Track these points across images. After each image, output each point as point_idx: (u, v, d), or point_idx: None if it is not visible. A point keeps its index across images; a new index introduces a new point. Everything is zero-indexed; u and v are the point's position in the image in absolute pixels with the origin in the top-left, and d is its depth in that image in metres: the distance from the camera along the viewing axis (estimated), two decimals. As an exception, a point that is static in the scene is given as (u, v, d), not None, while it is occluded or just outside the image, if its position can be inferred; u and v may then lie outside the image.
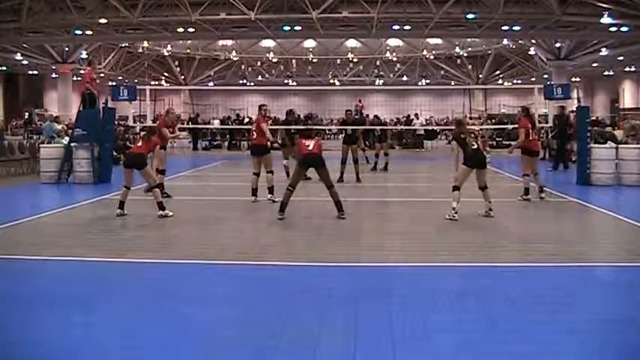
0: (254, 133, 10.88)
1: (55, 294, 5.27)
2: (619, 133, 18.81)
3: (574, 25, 25.03)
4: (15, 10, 23.58)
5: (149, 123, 22.39)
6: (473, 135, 9.24)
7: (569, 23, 24.54)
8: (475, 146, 9.02)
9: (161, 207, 9.04)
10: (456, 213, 8.66)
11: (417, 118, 28.47)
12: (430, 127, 29.69)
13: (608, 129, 18.80)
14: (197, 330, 4.36)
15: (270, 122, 13.61)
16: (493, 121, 30.98)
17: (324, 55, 46.20)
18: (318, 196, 10.27)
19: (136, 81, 40.34)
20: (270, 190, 10.49)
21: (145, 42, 39.46)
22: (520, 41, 35.37)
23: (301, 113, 17.76)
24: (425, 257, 6.63)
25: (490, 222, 8.68)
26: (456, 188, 8.88)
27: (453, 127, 10.18)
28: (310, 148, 9.10)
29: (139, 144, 9.78)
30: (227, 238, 7.67)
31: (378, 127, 17.82)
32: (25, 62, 35.45)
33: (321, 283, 5.58)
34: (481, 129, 21.88)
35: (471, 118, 32.84)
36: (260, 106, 11.55)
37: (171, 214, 9.01)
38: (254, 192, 10.57)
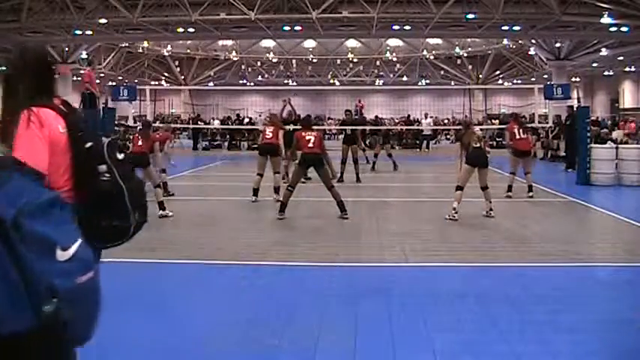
0: (269, 133, 10.75)
1: (55, 294, 5.27)
2: (618, 134, 18.83)
3: (574, 25, 25.01)
4: (15, 10, 23.56)
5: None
6: (476, 137, 9.28)
7: (569, 23, 24.52)
8: (477, 145, 9.02)
9: (162, 207, 9.03)
10: (456, 213, 8.66)
11: (426, 118, 28.47)
12: (435, 127, 29.70)
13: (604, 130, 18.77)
14: (197, 330, 4.36)
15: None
16: (497, 121, 30.96)
17: (324, 55, 46.17)
18: (318, 196, 10.27)
19: (135, 81, 40.31)
20: (277, 190, 10.49)
21: (145, 42, 39.44)
22: (520, 41, 35.34)
23: (301, 113, 17.63)
24: (425, 257, 6.63)
25: (490, 222, 8.68)
26: (458, 188, 8.89)
27: (460, 128, 10.32)
28: (311, 145, 8.92)
29: (139, 143, 9.63)
30: (227, 238, 7.67)
31: (383, 128, 17.86)
32: (25, 62, 35.40)
33: (321, 283, 5.58)
34: (481, 129, 21.87)
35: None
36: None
37: (171, 214, 9.01)
38: (255, 192, 10.55)
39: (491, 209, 8.95)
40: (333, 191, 8.90)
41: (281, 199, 9.17)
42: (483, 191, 9.06)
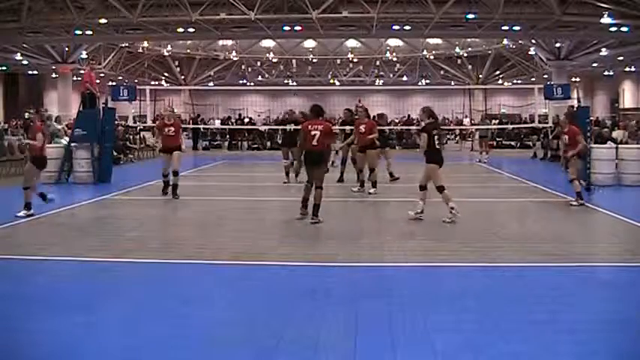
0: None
1: (55, 294, 5.27)
2: (619, 134, 18.81)
3: (574, 25, 24.99)
4: (15, 10, 23.53)
5: (149, 123, 22.51)
6: (443, 132, 8.92)
7: (569, 23, 24.50)
8: (438, 145, 8.78)
9: (27, 207, 8.89)
10: (452, 209, 8.42)
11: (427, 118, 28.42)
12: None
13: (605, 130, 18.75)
14: (197, 330, 4.36)
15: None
16: (496, 121, 30.98)
17: (324, 55, 46.14)
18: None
19: (136, 81, 40.29)
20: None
21: (145, 42, 39.42)
22: (520, 41, 35.32)
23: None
24: (425, 257, 6.63)
25: (490, 222, 8.68)
26: (442, 189, 8.60)
27: (425, 119, 9.02)
28: (315, 143, 8.53)
29: (38, 142, 9.18)
30: (227, 238, 7.67)
31: (386, 128, 17.86)
32: (25, 62, 35.41)
33: (321, 283, 5.58)
34: (479, 129, 21.90)
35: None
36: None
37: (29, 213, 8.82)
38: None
39: (452, 212, 8.48)
40: (318, 192, 8.54)
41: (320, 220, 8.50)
42: (441, 193, 8.65)
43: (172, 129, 11.12)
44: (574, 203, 10.01)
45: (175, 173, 10.94)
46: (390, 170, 13.84)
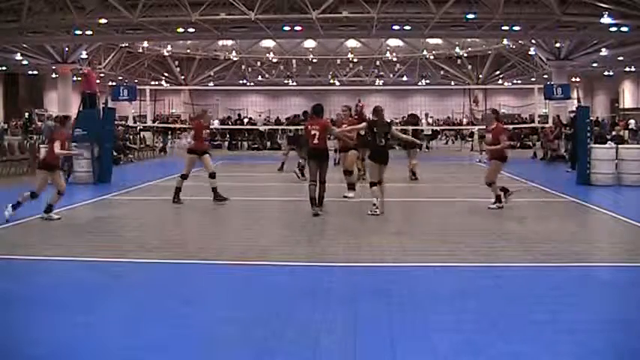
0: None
1: (55, 294, 5.27)
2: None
3: (574, 25, 25.03)
4: (15, 10, 23.56)
5: (149, 123, 22.52)
6: (386, 130, 9.14)
7: (569, 23, 24.54)
8: (383, 143, 9.05)
9: (48, 209, 8.68)
10: (377, 209, 8.83)
11: (426, 118, 28.51)
12: (435, 127, 29.73)
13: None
14: (197, 330, 4.36)
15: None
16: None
17: (324, 55, 46.17)
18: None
19: (136, 81, 40.31)
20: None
21: (145, 42, 39.44)
22: (520, 41, 35.35)
23: (301, 113, 17.75)
24: (425, 257, 6.63)
25: (490, 222, 8.67)
26: (373, 184, 9.04)
27: (372, 116, 9.41)
28: (316, 141, 9.03)
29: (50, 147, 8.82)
30: (227, 238, 7.67)
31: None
32: (25, 62, 35.45)
33: (321, 283, 5.58)
34: (480, 129, 21.88)
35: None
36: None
37: (56, 217, 8.67)
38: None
39: (374, 205, 8.95)
40: (323, 186, 9.03)
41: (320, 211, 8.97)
42: (380, 185, 9.11)
43: (207, 131, 11.12)
44: (492, 206, 9.53)
45: (213, 175, 10.71)
46: (413, 170, 14.12)
